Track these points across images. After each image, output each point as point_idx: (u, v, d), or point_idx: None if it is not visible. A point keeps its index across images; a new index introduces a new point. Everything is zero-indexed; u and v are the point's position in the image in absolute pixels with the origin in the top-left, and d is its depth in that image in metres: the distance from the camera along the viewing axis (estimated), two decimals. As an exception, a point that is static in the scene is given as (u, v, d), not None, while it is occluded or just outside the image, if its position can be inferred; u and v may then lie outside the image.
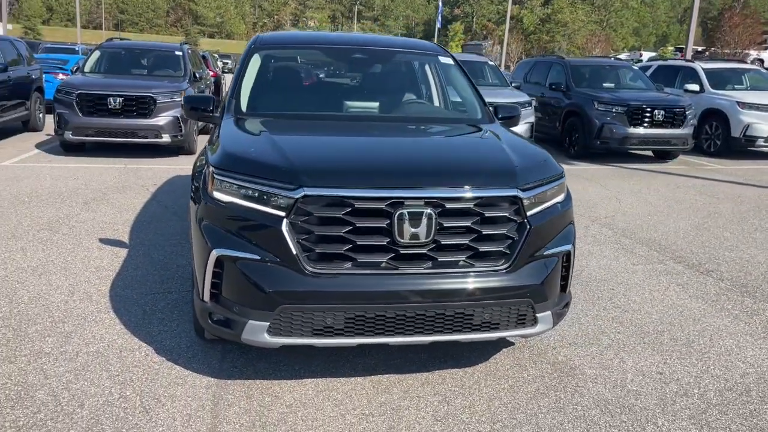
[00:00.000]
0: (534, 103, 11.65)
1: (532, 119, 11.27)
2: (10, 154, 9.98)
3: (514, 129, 4.43)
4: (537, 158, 3.64)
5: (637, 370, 3.68)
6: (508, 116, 4.52)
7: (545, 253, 3.31)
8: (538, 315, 3.27)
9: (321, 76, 5.09)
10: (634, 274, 5.31)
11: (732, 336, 4.18)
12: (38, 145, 11.02)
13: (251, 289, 3.00)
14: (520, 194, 3.19)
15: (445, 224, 3.08)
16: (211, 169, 3.22)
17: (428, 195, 3.05)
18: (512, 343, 3.92)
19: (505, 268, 3.19)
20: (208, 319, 3.19)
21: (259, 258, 3.01)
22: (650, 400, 3.37)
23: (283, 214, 2.98)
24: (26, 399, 3.12)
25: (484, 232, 3.15)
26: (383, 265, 3.05)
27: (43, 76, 13.75)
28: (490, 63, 12.69)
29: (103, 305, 4.25)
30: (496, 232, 3.18)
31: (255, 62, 4.58)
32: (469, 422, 3.12)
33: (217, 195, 3.14)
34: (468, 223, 3.12)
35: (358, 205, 2.99)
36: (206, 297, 3.16)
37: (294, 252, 2.98)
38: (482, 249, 3.16)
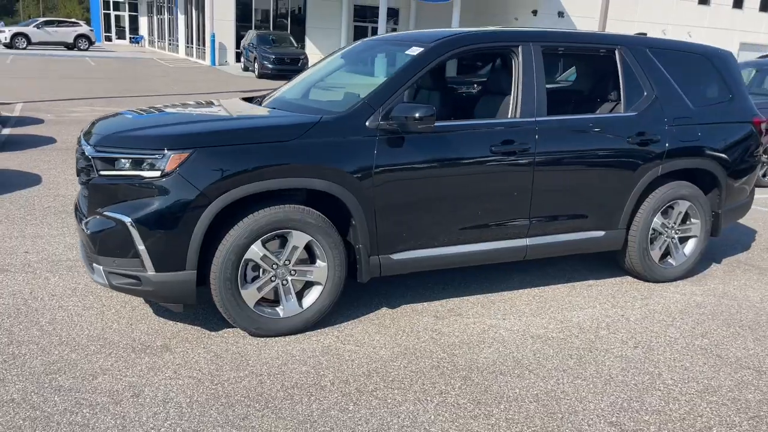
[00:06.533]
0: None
1: None
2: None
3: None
4: (170, 132, 3.69)
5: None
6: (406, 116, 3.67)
7: (104, 213, 3.49)
8: (93, 264, 3.56)
9: None
10: None
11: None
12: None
13: None
14: (89, 152, 3.52)
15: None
16: None
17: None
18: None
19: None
20: None
21: None
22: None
23: None
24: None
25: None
26: None
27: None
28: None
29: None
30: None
31: None
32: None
33: None
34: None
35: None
36: None
37: None
38: None
